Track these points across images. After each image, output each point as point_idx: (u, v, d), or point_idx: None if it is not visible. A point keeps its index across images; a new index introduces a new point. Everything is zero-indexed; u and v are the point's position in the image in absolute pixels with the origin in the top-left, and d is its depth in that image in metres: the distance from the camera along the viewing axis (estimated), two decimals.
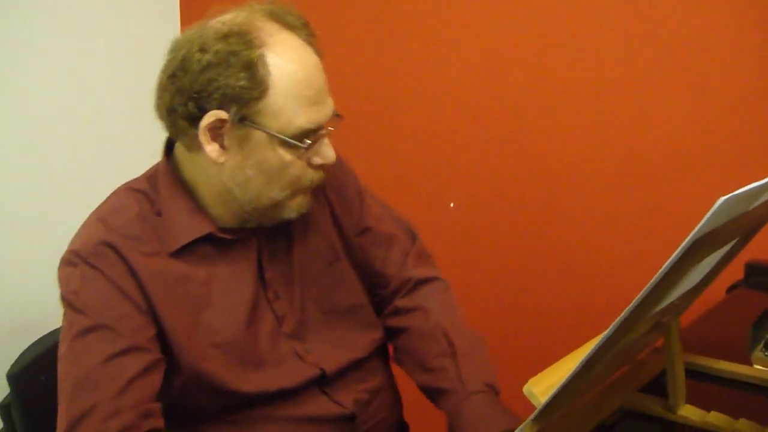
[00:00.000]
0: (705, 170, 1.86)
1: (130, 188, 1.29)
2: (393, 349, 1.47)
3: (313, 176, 1.25)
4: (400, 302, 1.45)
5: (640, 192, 1.96)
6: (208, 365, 1.23)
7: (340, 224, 1.41)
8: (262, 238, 1.32)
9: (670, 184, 1.91)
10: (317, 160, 1.24)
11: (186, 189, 1.27)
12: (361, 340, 1.39)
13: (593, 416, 1.13)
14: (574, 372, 0.90)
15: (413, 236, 1.51)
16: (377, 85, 2.31)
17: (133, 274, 1.20)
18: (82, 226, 1.27)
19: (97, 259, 1.20)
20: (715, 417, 1.12)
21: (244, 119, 1.17)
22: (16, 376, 1.35)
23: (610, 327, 0.87)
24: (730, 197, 0.79)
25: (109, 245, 1.20)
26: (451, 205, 2.23)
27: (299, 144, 1.19)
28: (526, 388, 1.01)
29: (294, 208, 1.27)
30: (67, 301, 1.21)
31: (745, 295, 1.68)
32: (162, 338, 1.21)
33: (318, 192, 1.37)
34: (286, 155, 1.20)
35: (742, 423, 1.10)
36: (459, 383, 1.33)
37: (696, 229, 0.78)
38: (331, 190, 1.41)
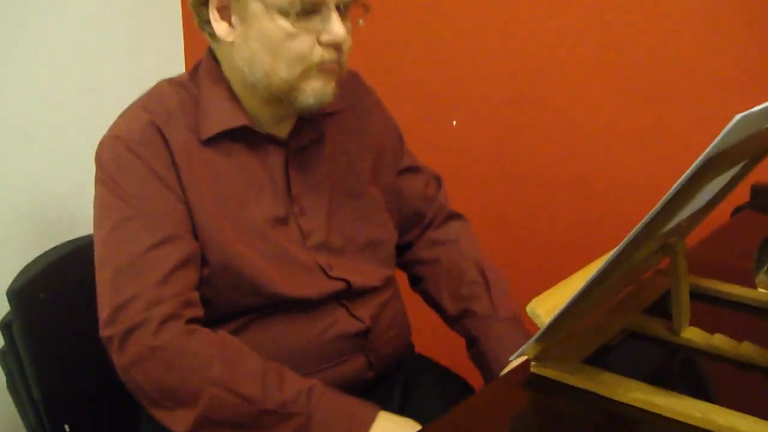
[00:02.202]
0: (716, 89, 1.83)
1: (171, 81, 1.32)
2: (419, 281, 1.53)
3: (323, 54, 1.22)
4: (433, 234, 1.52)
5: (649, 111, 1.93)
6: (240, 257, 1.24)
7: (381, 165, 1.45)
8: (292, 148, 1.32)
9: (680, 102, 1.88)
10: (325, 37, 1.21)
11: (225, 82, 1.29)
12: (375, 273, 1.39)
13: (597, 337, 1.12)
14: (579, 292, 0.89)
15: (439, 180, 1.59)
16: (382, 4, 2.26)
17: (174, 162, 1.22)
18: (124, 114, 1.28)
19: (141, 145, 1.22)
20: (718, 339, 1.12)
21: None
22: (16, 293, 1.33)
23: (618, 246, 0.86)
24: (746, 114, 0.76)
25: (154, 126, 1.23)
26: (454, 123, 2.21)
27: (290, 10, 1.18)
28: (529, 308, 1.00)
29: (310, 92, 1.23)
30: (107, 186, 1.22)
31: (751, 218, 1.68)
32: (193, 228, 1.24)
33: (363, 134, 1.42)
34: (285, 24, 1.19)
35: (746, 346, 1.10)
36: (491, 309, 1.40)
37: (711, 146, 0.76)
38: (378, 133, 1.45)
